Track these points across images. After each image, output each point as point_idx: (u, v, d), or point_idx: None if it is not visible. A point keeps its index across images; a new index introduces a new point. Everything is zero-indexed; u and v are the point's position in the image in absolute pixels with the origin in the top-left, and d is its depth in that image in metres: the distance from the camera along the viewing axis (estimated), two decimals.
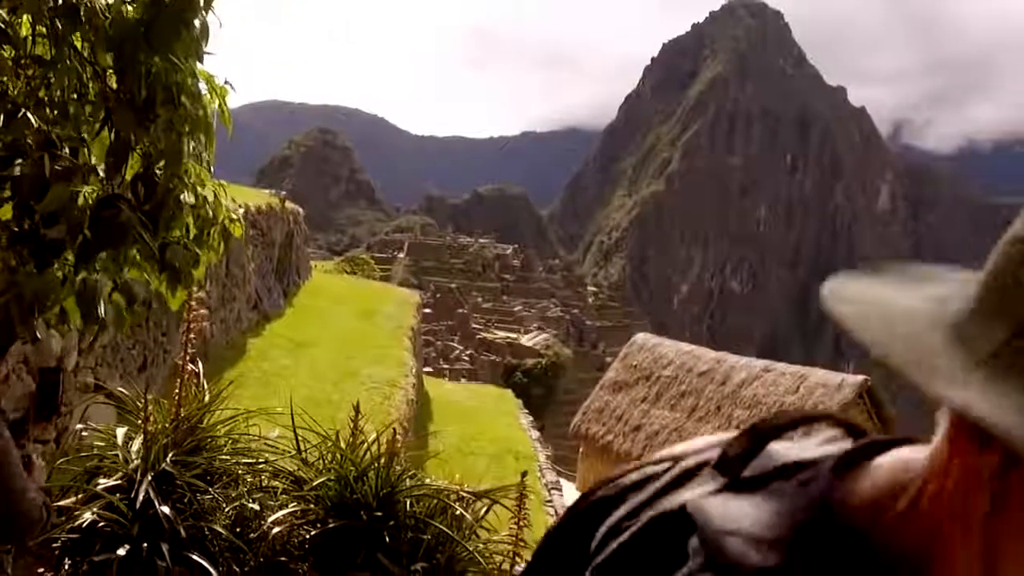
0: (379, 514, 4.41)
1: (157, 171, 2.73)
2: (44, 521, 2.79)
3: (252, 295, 14.51)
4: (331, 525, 4.45)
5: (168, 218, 2.75)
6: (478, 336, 68.75)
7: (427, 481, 4.91)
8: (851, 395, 15.01)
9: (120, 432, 4.69)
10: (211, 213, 3.07)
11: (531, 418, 19.63)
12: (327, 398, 8.37)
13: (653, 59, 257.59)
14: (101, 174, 2.87)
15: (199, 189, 3.00)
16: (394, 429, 4.98)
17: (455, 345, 65.24)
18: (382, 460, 4.65)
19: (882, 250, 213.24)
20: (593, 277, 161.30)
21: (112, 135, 2.64)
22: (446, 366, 52.11)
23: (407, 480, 4.70)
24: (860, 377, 15.74)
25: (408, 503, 4.55)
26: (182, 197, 2.86)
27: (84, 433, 5.01)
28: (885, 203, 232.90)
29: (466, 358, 61.23)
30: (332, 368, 12.25)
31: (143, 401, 4.68)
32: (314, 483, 4.62)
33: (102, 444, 4.70)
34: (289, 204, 19.20)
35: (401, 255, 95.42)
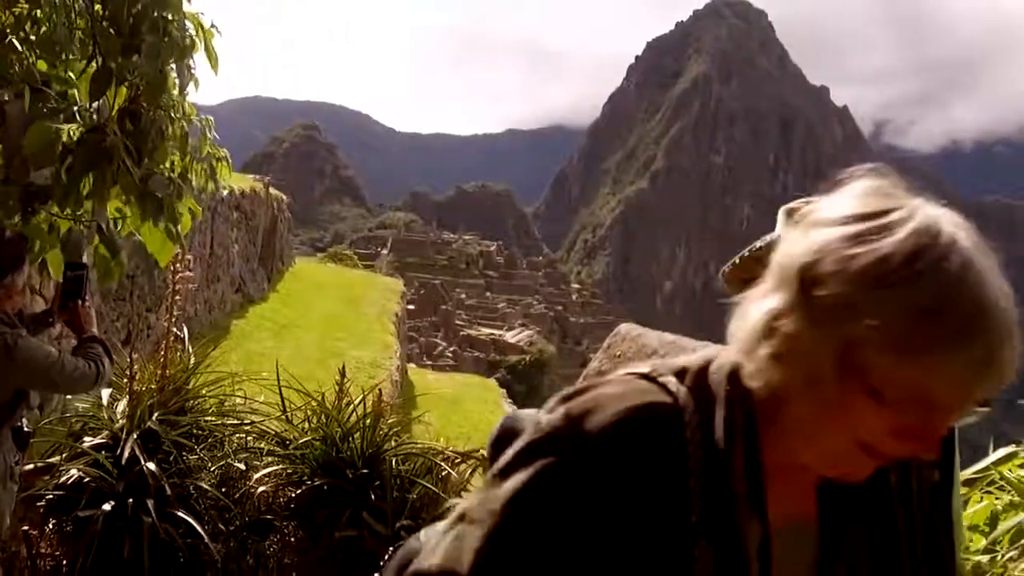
0: (365, 471, 4.41)
1: (143, 104, 2.72)
2: (96, 373, 3.12)
3: (236, 277, 14.50)
4: (317, 484, 4.45)
5: (151, 149, 2.74)
6: (462, 332, 68.71)
7: (413, 441, 4.92)
8: None
9: (105, 393, 4.67)
10: (195, 148, 3.07)
11: (515, 407, 19.62)
12: (312, 376, 8.33)
13: (637, 57, 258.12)
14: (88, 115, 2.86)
15: (184, 124, 2.99)
16: (380, 390, 4.98)
17: (438, 341, 65.16)
18: (368, 420, 4.65)
19: None
20: (577, 275, 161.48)
21: (98, 63, 2.63)
22: (429, 362, 51.85)
23: (393, 440, 4.70)
24: None
25: (394, 462, 4.55)
26: (167, 131, 2.85)
27: (68, 396, 4.99)
28: None
29: (449, 354, 61.14)
30: (316, 349, 12.26)
31: (129, 361, 4.68)
32: (299, 443, 4.62)
33: (86, 406, 4.69)
34: (273, 191, 19.14)
35: (384, 251, 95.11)
